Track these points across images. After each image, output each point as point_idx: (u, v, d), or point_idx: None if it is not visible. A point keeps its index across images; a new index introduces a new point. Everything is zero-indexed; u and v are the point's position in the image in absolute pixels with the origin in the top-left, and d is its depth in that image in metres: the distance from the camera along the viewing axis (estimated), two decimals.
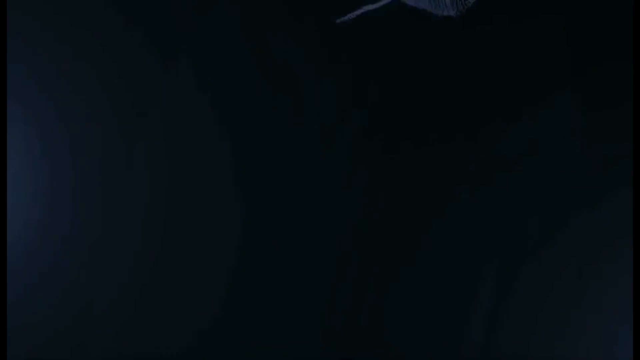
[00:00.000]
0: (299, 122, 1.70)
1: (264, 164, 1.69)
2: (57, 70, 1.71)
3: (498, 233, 1.67)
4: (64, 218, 1.66)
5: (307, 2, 1.74)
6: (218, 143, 1.69)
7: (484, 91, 1.72)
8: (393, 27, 1.73)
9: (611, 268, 1.65)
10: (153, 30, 1.73)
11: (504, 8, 1.73)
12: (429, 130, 1.71)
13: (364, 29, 1.73)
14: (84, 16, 1.74)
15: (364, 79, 1.72)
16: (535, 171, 1.69)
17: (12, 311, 1.63)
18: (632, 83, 1.68)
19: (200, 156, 1.69)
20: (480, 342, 1.64)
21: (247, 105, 1.71)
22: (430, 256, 1.66)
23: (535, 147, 1.69)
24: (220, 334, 1.64)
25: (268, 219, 1.67)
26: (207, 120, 1.70)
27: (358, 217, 1.68)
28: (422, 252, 1.66)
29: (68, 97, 1.71)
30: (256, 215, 1.67)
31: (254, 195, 1.68)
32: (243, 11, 1.73)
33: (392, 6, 1.72)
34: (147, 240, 1.66)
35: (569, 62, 1.72)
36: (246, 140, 1.70)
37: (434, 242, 1.66)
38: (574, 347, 1.63)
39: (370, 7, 1.47)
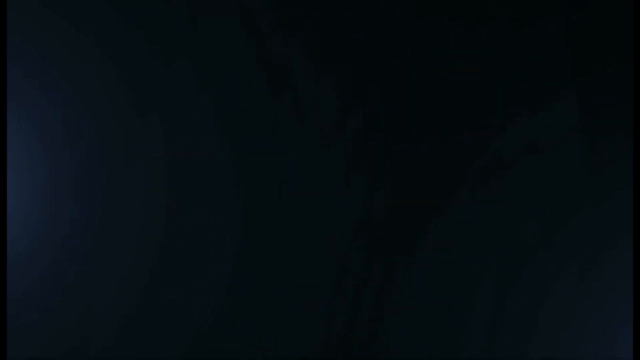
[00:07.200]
0: (299, 122, 1.70)
1: (263, 164, 1.69)
2: (57, 70, 1.71)
3: (498, 233, 1.67)
4: (64, 218, 1.66)
5: (307, 2, 1.74)
6: (218, 143, 1.69)
7: (484, 92, 1.72)
8: (393, 26, 1.73)
9: (611, 269, 1.65)
10: (153, 31, 1.73)
11: (504, 9, 1.73)
12: (428, 131, 1.71)
13: (364, 29, 1.73)
14: (83, 17, 1.74)
15: (364, 79, 1.72)
16: (535, 171, 1.69)
17: (12, 311, 1.63)
18: (632, 83, 1.68)
19: (199, 156, 1.69)
20: (480, 343, 1.64)
21: (247, 105, 1.71)
22: (430, 257, 1.66)
23: (535, 147, 1.70)
24: (220, 335, 1.64)
25: (268, 219, 1.67)
26: (207, 120, 1.70)
27: (358, 217, 1.68)
28: (422, 253, 1.66)
29: (68, 97, 1.71)
30: (256, 216, 1.67)
31: (253, 195, 1.68)
32: (243, 11, 1.74)
33: (392, 6, 1.72)
34: (147, 240, 1.66)
35: (568, 63, 1.72)
36: (246, 141, 1.70)
37: (434, 242, 1.67)
38: (574, 348, 1.63)
39: None
